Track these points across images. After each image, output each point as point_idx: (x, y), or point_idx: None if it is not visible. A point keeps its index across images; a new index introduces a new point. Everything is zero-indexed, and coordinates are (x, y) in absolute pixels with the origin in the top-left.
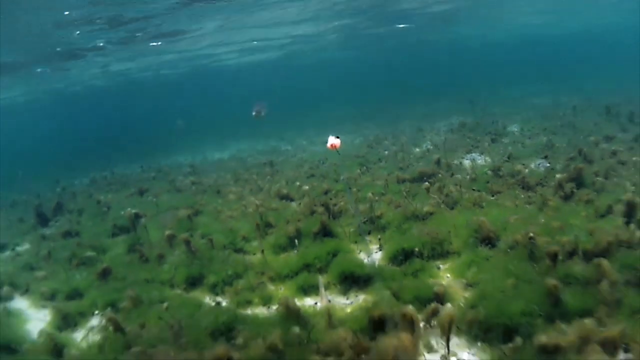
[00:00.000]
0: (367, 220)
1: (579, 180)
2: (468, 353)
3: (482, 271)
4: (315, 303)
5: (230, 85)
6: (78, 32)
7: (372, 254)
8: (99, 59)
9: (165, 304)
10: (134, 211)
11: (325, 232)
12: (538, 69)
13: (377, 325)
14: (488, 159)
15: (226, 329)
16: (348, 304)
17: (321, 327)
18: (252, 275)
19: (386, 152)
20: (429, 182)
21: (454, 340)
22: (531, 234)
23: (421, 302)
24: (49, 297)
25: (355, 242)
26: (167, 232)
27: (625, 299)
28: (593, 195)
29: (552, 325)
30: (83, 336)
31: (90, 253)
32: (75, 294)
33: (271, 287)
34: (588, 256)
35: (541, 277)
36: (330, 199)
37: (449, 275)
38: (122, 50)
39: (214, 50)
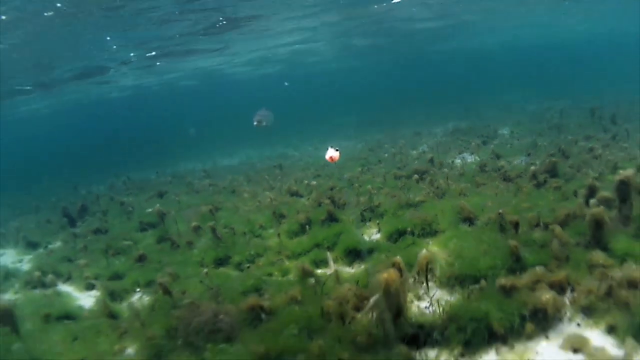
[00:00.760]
0: (367, 209)
1: (553, 172)
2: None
3: (461, 241)
4: (326, 272)
5: (238, 94)
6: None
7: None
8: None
9: (205, 270)
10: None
11: (332, 219)
12: (530, 76)
13: None
14: (477, 158)
15: (254, 289)
16: (352, 272)
17: (331, 284)
18: (271, 254)
19: (386, 155)
20: (421, 177)
21: (437, 293)
22: (501, 211)
23: (411, 265)
24: (93, 281)
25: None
26: (193, 224)
27: (573, 255)
28: (562, 183)
29: (513, 275)
30: (135, 300)
31: (126, 242)
32: (116, 277)
33: (287, 263)
34: (548, 227)
35: (507, 243)
36: (335, 194)
37: (436, 248)
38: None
39: (225, 62)
